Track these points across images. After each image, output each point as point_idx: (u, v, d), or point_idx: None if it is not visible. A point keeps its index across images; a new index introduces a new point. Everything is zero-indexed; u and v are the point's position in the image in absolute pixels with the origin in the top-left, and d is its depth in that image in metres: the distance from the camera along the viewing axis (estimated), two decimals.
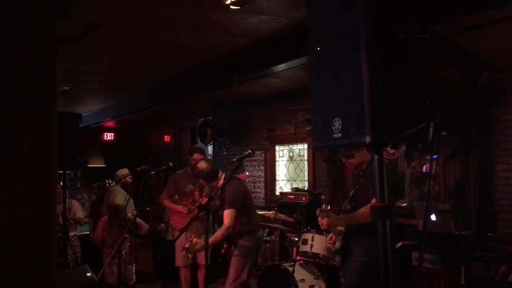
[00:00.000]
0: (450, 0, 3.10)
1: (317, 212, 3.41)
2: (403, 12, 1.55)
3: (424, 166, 5.40)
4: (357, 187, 3.41)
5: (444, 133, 1.68)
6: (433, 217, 3.96)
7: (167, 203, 5.10)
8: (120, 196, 5.87)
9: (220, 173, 4.25)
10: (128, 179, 6.16)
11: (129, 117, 9.42)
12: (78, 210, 6.31)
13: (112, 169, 6.76)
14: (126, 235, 4.69)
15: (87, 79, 6.96)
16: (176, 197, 5.16)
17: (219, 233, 4.07)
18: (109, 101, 9.03)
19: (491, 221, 4.73)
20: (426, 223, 3.49)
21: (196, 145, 5.65)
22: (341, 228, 3.41)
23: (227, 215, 4.01)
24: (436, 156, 4.40)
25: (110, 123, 10.91)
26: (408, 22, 1.57)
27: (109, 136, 11.97)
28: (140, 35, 4.87)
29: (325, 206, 3.46)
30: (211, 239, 3.87)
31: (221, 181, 4.10)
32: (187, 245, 3.81)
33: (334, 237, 3.48)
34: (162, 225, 6.37)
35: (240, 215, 4.12)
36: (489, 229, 4.49)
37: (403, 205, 5.44)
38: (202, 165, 4.23)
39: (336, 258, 3.81)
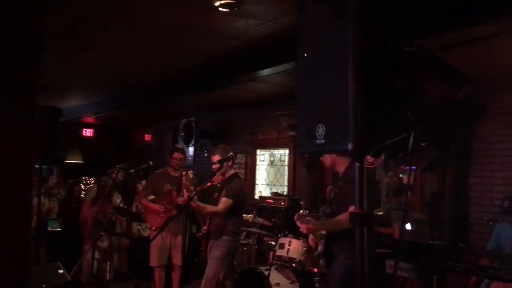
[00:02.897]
0: (436, 15, 3.19)
1: (296, 217, 3.45)
2: (392, 25, 1.59)
3: (404, 177, 5.50)
4: (337, 190, 3.46)
5: (424, 144, 1.73)
6: (408, 226, 4.04)
7: (144, 201, 5.05)
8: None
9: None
10: (119, 177, 6.06)
11: (110, 114, 9.33)
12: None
13: (90, 166, 6.67)
14: (102, 233, 4.64)
15: (70, 74, 6.86)
16: (153, 197, 5.11)
17: (210, 208, 4.16)
18: (91, 97, 8.92)
19: (464, 233, 4.84)
20: (402, 232, 3.55)
21: (177, 145, 5.62)
22: (323, 232, 3.45)
23: (224, 202, 4.12)
24: (414, 167, 4.50)
25: (90, 119, 10.76)
26: (396, 35, 1.62)
27: (88, 132, 11.78)
28: (127, 34, 4.84)
29: (303, 211, 3.49)
30: (200, 204, 4.04)
31: (227, 175, 4.30)
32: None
33: (316, 240, 3.49)
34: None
35: (232, 213, 4.16)
36: (462, 240, 4.60)
37: (379, 213, 5.52)
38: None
39: (320, 262, 3.84)
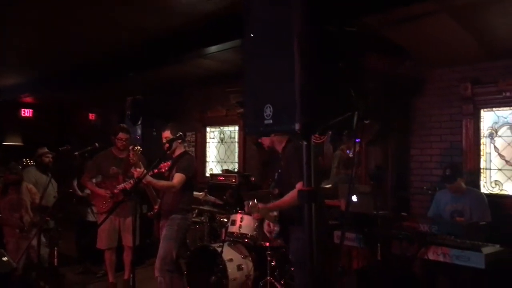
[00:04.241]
0: None
1: (246, 209, 3.52)
2: (335, 5, 1.61)
3: (349, 150, 5.69)
4: (280, 170, 3.53)
5: (367, 121, 1.80)
6: (354, 198, 4.21)
7: (90, 185, 4.88)
8: (33, 179, 5.54)
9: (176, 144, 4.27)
10: (45, 159, 5.80)
11: (50, 93, 8.87)
12: None
13: (31, 148, 6.33)
14: (47, 218, 4.48)
15: (6, 51, 6.40)
16: (100, 179, 4.97)
17: (164, 182, 4.14)
18: (29, 76, 8.41)
19: (406, 202, 5.13)
20: (348, 204, 3.70)
21: (122, 124, 5.47)
22: (275, 213, 3.52)
23: (178, 177, 4.11)
24: (359, 140, 4.66)
25: (29, 99, 10.18)
26: (339, 15, 1.65)
27: (27, 112, 11.15)
28: (68, 9, 4.55)
29: (252, 202, 3.52)
30: (153, 180, 4.00)
31: (177, 152, 4.30)
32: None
33: (271, 225, 3.56)
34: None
35: (184, 189, 4.15)
36: (404, 209, 4.87)
37: (327, 186, 5.71)
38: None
39: (279, 241, 3.94)
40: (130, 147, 4.12)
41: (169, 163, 4.16)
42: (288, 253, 3.68)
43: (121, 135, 4.87)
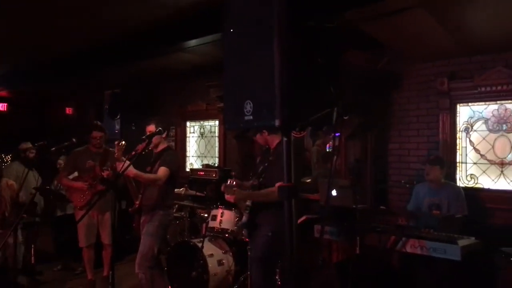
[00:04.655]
0: None
1: (222, 187, 3.49)
2: (314, 1, 1.61)
3: (328, 144, 5.73)
4: (266, 164, 3.54)
5: (346, 117, 1.81)
6: (334, 192, 4.25)
7: (66, 181, 4.79)
8: (14, 173, 5.43)
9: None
10: (30, 154, 5.70)
11: (25, 87, 8.65)
12: None
13: (5, 143, 6.19)
14: (23, 215, 4.38)
15: None
16: (76, 174, 4.88)
17: (150, 175, 4.09)
18: (3, 69, 8.18)
19: (384, 195, 5.20)
20: (328, 198, 3.74)
21: (95, 122, 5.35)
22: (248, 203, 3.53)
23: (163, 170, 4.06)
24: (338, 134, 4.71)
25: (3, 93, 9.91)
26: (318, 10, 1.65)
27: (1, 106, 10.87)
28: (43, 1, 4.43)
29: (230, 181, 3.51)
30: (139, 172, 3.95)
31: (160, 148, 4.26)
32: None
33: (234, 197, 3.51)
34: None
35: (166, 184, 4.11)
36: (382, 202, 4.95)
37: (308, 180, 5.75)
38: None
39: (243, 232, 3.93)
40: (116, 142, 4.02)
41: (144, 144, 4.07)
42: (250, 245, 3.66)
43: (94, 133, 4.81)
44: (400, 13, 3.60)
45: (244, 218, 3.56)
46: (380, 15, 3.70)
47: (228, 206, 4.40)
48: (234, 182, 3.50)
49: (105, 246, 4.84)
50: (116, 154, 3.92)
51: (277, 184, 3.09)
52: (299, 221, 4.14)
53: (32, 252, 4.53)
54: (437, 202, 4.28)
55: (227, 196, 3.47)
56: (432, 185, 4.32)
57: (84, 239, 4.76)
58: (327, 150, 5.73)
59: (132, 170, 3.86)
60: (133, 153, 3.94)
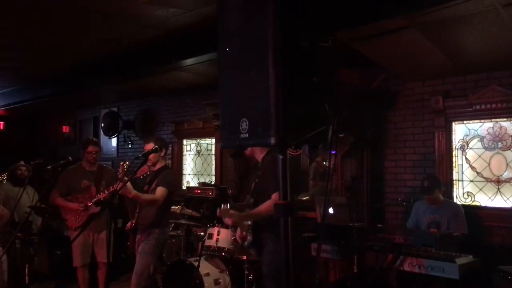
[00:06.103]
0: (352, 9, 3.34)
1: (218, 213, 3.48)
2: (308, 21, 1.64)
3: (327, 163, 5.74)
4: (256, 180, 3.53)
5: (342, 135, 1.82)
6: (331, 210, 4.24)
7: (59, 201, 4.71)
8: (3, 193, 5.40)
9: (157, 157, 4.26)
10: (17, 171, 5.67)
11: (21, 105, 8.66)
12: None
13: (1, 162, 6.16)
14: (18, 234, 4.33)
15: None
16: (69, 196, 4.81)
17: (148, 196, 4.09)
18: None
19: (381, 213, 5.19)
20: (324, 216, 3.72)
21: (91, 137, 5.32)
22: (249, 222, 3.50)
23: (161, 191, 4.08)
24: (334, 152, 4.71)
25: (0, 111, 9.92)
26: (312, 30, 1.67)
27: None
28: (40, 19, 4.48)
29: (224, 206, 3.48)
30: (137, 193, 3.96)
31: (157, 166, 4.31)
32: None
33: (244, 232, 3.53)
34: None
35: (164, 203, 4.08)
36: (379, 220, 4.93)
37: (304, 198, 5.74)
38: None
39: (251, 252, 3.90)
40: (121, 163, 4.01)
41: (145, 167, 4.10)
42: (261, 264, 3.65)
43: (90, 148, 4.79)
44: (392, 34, 3.66)
45: (249, 238, 3.53)
46: (373, 36, 3.75)
47: (225, 224, 4.37)
48: (228, 205, 3.48)
49: (101, 265, 4.78)
50: (120, 174, 3.91)
51: (273, 197, 3.09)
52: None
53: (27, 272, 4.45)
54: (437, 220, 4.27)
55: (225, 220, 3.48)
56: (432, 203, 4.32)
57: (79, 259, 4.69)
58: (326, 168, 5.73)
59: (131, 191, 3.85)
60: (135, 176, 3.96)
